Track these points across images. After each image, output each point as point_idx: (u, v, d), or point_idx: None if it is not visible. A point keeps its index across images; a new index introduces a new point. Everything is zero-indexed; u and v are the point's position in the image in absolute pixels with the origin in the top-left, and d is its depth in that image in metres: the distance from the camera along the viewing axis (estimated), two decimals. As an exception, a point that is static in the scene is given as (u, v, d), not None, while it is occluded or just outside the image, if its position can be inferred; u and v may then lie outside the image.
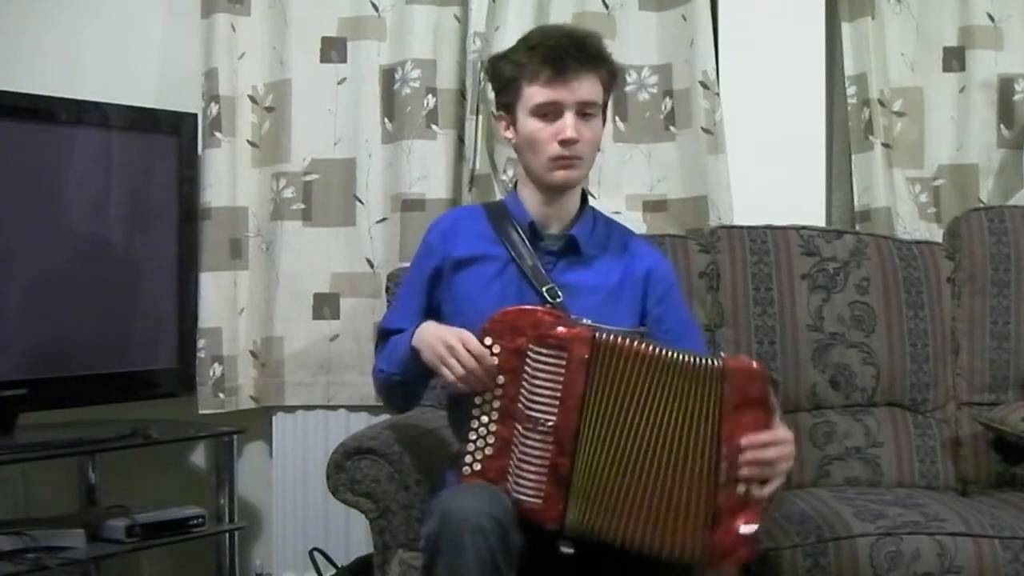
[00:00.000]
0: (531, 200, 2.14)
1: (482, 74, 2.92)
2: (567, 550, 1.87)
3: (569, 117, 2.04)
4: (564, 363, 1.87)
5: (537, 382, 1.88)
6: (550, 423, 1.86)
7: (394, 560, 2.15)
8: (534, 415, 1.87)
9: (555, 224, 2.14)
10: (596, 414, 1.87)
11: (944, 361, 2.77)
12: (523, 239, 2.11)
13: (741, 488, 1.85)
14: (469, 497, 1.80)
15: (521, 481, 1.87)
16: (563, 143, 2.04)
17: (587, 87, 2.05)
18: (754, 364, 1.88)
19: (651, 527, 1.85)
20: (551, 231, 2.14)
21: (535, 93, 2.06)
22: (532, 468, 1.87)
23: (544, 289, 2.05)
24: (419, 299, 2.16)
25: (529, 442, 1.87)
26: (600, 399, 1.87)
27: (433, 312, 2.14)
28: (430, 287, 2.15)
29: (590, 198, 2.24)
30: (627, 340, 1.88)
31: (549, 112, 2.05)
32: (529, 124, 2.07)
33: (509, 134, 2.14)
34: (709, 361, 1.87)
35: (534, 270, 2.07)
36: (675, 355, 1.87)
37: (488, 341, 1.91)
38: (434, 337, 1.96)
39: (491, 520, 1.76)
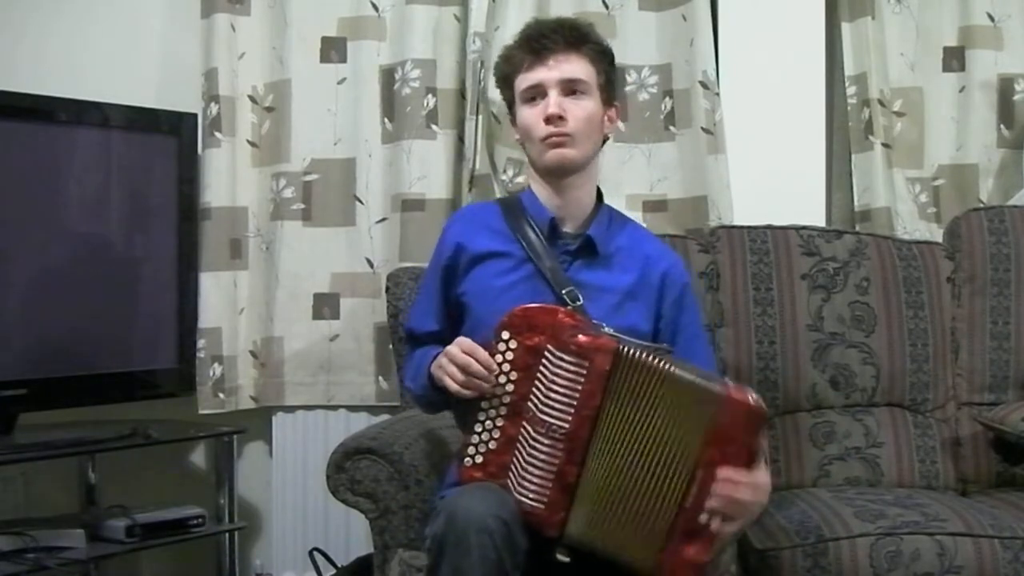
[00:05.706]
0: (544, 195, 2.13)
1: (482, 74, 2.92)
2: (563, 558, 1.86)
3: (552, 95, 2.05)
4: (584, 372, 1.84)
5: (554, 387, 1.85)
6: (563, 430, 1.84)
7: (394, 560, 2.15)
8: (547, 420, 1.85)
9: (570, 222, 2.12)
10: (611, 427, 1.84)
11: (944, 361, 2.76)
12: (540, 238, 2.08)
13: (703, 517, 1.82)
14: (476, 498, 1.78)
15: (525, 484, 1.86)
16: (548, 120, 2.04)
17: (569, 66, 2.06)
18: (754, 401, 1.83)
19: (632, 539, 1.85)
20: (567, 229, 2.12)
21: (522, 81, 2.09)
22: (538, 472, 1.85)
23: (564, 292, 2.02)
24: (437, 297, 2.16)
25: (538, 446, 1.85)
26: (616, 412, 1.84)
27: (453, 306, 2.13)
28: (444, 284, 2.14)
29: None
30: (650, 356, 1.85)
31: (536, 95, 2.07)
32: (523, 113, 2.10)
33: (516, 133, 2.16)
34: (713, 385, 1.85)
35: (553, 271, 2.05)
36: (690, 375, 1.85)
37: (505, 335, 1.89)
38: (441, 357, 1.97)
39: (498, 521, 1.74)
